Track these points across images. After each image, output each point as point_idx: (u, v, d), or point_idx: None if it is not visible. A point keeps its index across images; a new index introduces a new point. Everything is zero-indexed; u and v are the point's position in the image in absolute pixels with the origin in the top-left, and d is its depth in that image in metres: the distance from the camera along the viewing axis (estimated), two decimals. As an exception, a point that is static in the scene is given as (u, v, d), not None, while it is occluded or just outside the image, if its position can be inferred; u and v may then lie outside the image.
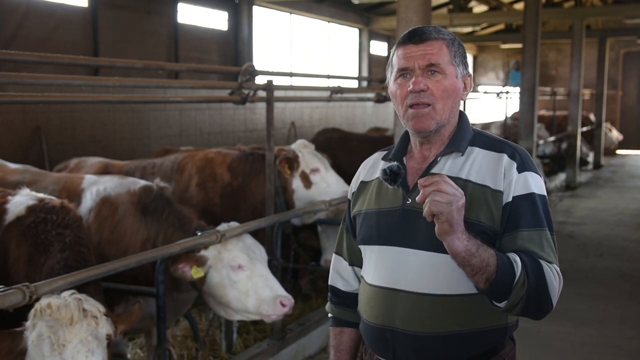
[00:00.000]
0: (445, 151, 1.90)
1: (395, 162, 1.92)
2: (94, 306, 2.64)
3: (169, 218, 3.97)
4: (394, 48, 1.95)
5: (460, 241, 1.65)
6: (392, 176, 1.83)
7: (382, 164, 2.00)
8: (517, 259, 1.73)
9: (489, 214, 1.81)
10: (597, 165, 18.00)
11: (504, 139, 1.97)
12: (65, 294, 2.65)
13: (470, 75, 1.96)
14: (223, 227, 3.92)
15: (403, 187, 1.91)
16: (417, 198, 1.69)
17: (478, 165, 1.87)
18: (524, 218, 1.80)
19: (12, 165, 4.71)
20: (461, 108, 2.01)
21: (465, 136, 1.93)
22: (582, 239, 9.12)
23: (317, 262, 5.72)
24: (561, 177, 14.67)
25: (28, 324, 2.56)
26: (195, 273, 3.71)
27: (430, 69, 1.85)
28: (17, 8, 7.53)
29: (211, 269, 3.78)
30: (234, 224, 4.03)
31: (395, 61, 1.91)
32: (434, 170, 1.89)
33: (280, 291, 3.76)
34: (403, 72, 1.89)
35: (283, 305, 3.72)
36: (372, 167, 2.07)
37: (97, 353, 2.58)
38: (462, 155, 1.89)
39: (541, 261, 1.77)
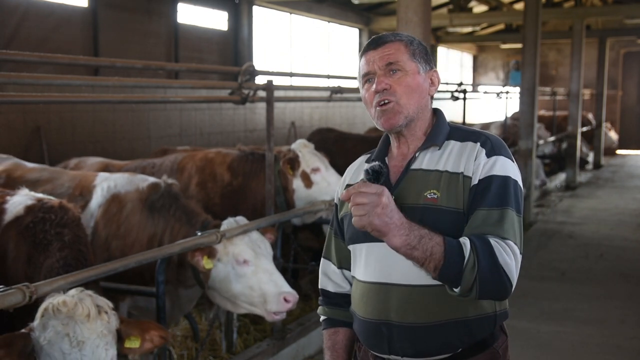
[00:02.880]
0: (423, 146, 1.98)
1: (377, 162, 1.97)
2: (104, 302, 2.68)
3: (176, 214, 4.04)
4: (359, 58, 2.04)
5: (397, 237, 1.71)
6: (374, 175, 1.87)
7: (366, 166, 2.03)
8: (467, 242, 1.76)
9: (462, 200, 1.87)
10: (597, 165, 17.99)
11: (481, 130, 2.02)
12: (73, 291, 2.67)
13: (435, 71, 2.03)
14: (230, 221, 3.98)
15: (386, 185, 1.93)
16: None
17: (454, 155, 1.93)
18: (486, 198, 1.84)
19: (30, 165, 4.84)
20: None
21: (442, 131, 2.00)
22: (582, 239, 9.12)
23: (317, 262, 5.72)
24: (561, 177, 14.67)
25: (36, 324, 2.56)
26: (207, 264, 3.76)
27: (391, 67, 1.94)
28: (17, 8, 7.53)
29: (218, 263, 3.82)
30: (241, 218, 4.06)
31: (360, 69, 2.01)
32: (413, 166, 1.96)
33: (285, 287, 3.79)
34: (367, 77, 1.98)
35: (287, 301, 3.74)
36: (357, 170, 2.14)
37: (113, 346, 2.64)
38: (439, 149, 1.96)
39: (492, 240, 1.78)
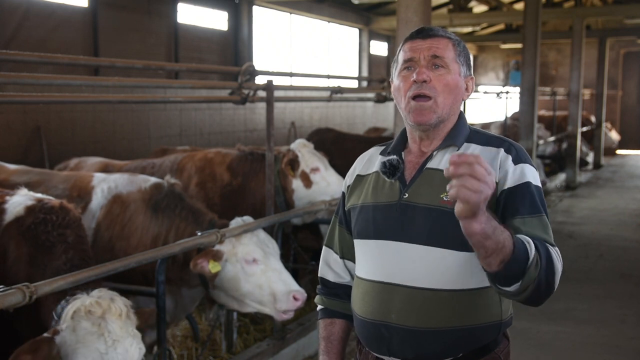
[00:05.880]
0: (442, 146, 1.92)
1: (395, 156, 1.92)
2: (126, 301, 2.74)
3: (182, 213, 4.02)
4: (400, 45, 1.97)
5: (478, 223, 1.53)
6: (391, 169, 1.83)
7: (380, 158, 2.00)
8: (530, 241, 1.70)
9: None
10: (597, 165, 17.99)
11: (501, 136, 1.97)
12: (96, 292, 2.73)
13: (472, 78, 1.99)
14: (237, 221, 3.99)
15: (400, 182, 1.91)
16: (444, 172, 1.50)
17: None
18: (522, 205, 1.80)
19: (11, 166, 4.68)
20: (460, 108, 2.02)
21: (462, 132, 1.95)
22: (582, 239, 9.12)
23: (316, 262, 5.72)
24: (561, 177, 14.66)
25: (64, 326, 2.58)
26: (213, 267, 3.75)
27: (435, 61, 1.88)
28: (17, 8, 7.53)
29: (226, 263, 3.82)
30: (248, 218, 4.07)
31: (402, 55, 1.94)
32: (429, 165, 1.90)
33: (294, 286, 3.81)
34: (408, 65, 1.91)
35: (296, 299, 3.76)
36: (369, 161, 2.08)
37: (142, 345, 2.70)
38: (458, 150, 1.90)
39: (547, 245, 1.75)
